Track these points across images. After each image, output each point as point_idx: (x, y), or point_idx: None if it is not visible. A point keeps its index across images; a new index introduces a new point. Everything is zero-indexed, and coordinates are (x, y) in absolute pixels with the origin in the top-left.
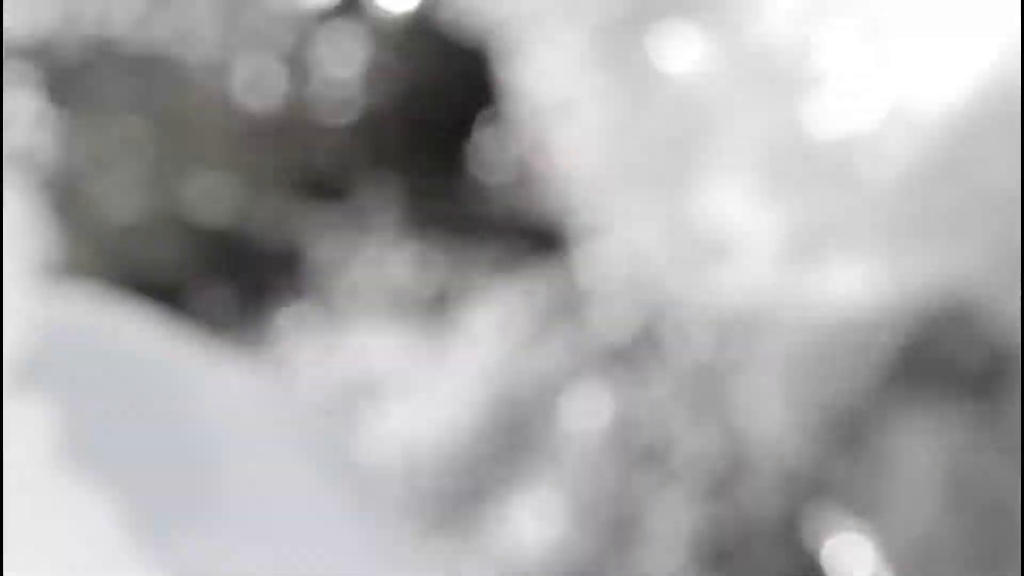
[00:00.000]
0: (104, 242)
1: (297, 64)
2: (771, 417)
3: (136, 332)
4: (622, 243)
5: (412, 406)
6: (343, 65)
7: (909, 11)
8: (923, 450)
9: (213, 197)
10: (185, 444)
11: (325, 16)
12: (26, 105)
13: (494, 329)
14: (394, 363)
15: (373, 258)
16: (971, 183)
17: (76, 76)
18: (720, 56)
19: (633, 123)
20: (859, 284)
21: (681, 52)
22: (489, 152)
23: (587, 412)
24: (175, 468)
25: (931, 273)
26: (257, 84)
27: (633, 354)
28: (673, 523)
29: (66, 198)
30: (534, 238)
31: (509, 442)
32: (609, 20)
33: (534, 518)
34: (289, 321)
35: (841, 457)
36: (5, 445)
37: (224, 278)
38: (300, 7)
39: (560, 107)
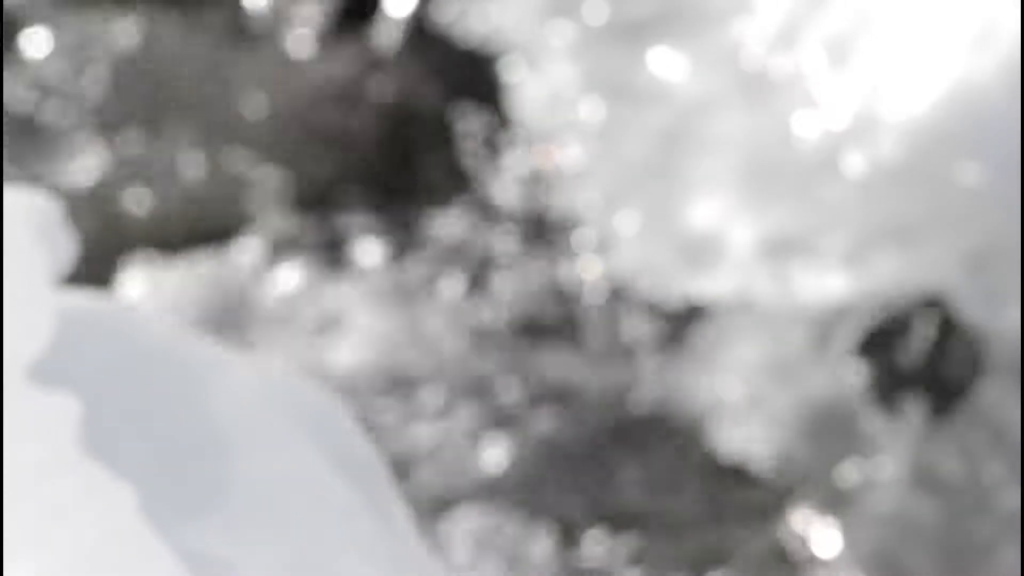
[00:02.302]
0: (113, 242)
1: (299, 66)
2: (744, 409)
3: (149, 328)
4: (612, 241)
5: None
6: (345, 66)
7: (879, 29)
8: (894, 442)
9: (221, 192)
10: (197, 438)
11: (329, 20)
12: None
13: (491, 321)
14: (399, 355)
15: (378, 255)
16: (941, 189)
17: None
18: (705, 66)
19: (623, 125)
20: (834, 284)
21: (669, 60)
22: (488, 152)
23: (580, 410)
24: (187, 461)
25: (904, 274)
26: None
27: (621, 345)
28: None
29: (79, 197)
30: (531, 235)
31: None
32: (602, 26)
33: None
34: (301, 315)
35: (813, 447)
36: (22, 437)
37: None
38: (303, 11)
39: (556, 108)
